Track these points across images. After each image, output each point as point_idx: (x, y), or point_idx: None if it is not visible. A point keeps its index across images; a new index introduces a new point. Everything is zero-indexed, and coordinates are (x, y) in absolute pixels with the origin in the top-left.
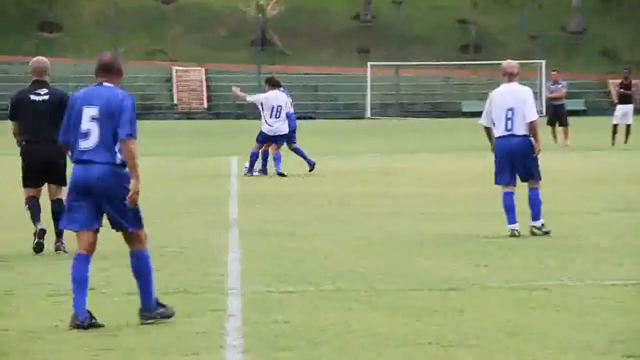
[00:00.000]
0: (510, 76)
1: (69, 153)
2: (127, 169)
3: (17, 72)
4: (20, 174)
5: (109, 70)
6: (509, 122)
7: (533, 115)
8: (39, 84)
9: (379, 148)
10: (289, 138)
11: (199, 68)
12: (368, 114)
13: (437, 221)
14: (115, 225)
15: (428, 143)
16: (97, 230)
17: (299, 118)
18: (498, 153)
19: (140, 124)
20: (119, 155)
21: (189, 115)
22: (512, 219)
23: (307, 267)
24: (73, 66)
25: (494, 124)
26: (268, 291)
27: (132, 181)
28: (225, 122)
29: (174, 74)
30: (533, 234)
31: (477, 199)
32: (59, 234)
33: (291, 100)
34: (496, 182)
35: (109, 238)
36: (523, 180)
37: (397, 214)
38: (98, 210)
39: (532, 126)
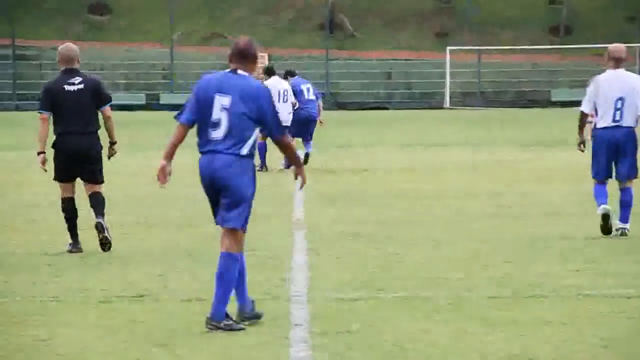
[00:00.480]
0: (617, 61)
1: (196, 140)
2: (252, 161)
3: None
4: (53, 168)
5: (245, 57)
6: (618, 112)
7: None
8: (71, 72)
9: (458, 141)
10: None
11: (263, 53)
12: (447, 103)
13: (528, 221)
14: (218, 217)
15: (514, 135)
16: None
17: (370, 108)
18: (599, 145)
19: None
20: (246, 147)
21: None
22: (603, 201)
23: (382, 273)
24: (124, 51)
25: (595, 112)
26: (337, 299)
27: (296, 169)
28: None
29: None
30: (622, 234)
31: (570, 196)
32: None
33: (309, 87)
34: (594, 176)
35: (165, 240)
36: (621, 177)
37: (485, 213)
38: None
39: None
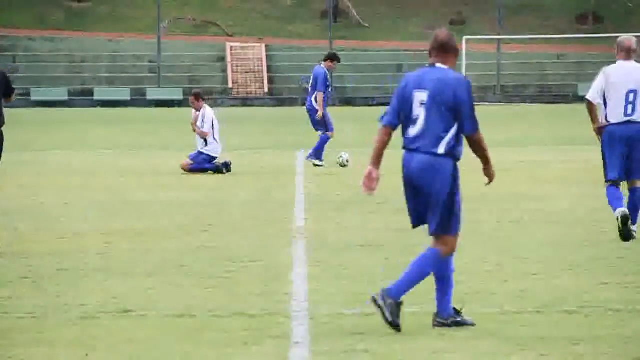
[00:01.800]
0: (628, 52)
1: (403, 138)
2: (451, 160)
3: (42, 49)
4: None
5: (446, 50)
6: (630, 106)
7: None
8: None
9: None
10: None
11: (258, 44)
12: None
13: (551, 228)
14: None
15: (537, 133)
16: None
17: (379, 104)
18: (611, 143)
19: (189, 112)
20: (443, 145)
21: (246, 102)
22: (619, 204)
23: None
24: (107, 42)
25: (605, 106)
26: (341, 314)
27: (486, 166)
28: (289, 109)
29: (229, 51)
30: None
31: (597, 200)
32: None
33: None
34: (607, 179)
35: (153, 250)
36: (633, 176)
37: (504, 219)
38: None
39: None
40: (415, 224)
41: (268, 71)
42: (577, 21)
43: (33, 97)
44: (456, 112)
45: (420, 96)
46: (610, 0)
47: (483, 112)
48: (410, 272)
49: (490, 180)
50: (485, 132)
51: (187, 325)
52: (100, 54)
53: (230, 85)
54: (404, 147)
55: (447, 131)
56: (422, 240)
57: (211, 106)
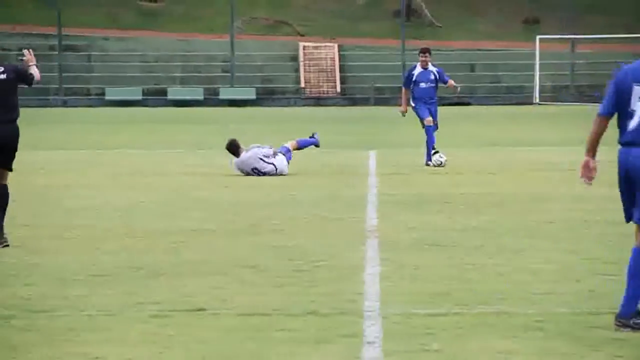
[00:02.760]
0: None
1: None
2: None
3: (116, 49)
4: None
5: None
6: None
7: None
8: None
9: (548, 140)
10: None
11: (331, 44)
12: (536, 98)
13: (624, 229)
14: (635, 213)
15: (610, 134)
16: None
17: (451, 104)
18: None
19: (261, 111)
20: None
21: (318, 101)
22: None
23: (462, 286)
24: (180, 42)
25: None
26: (413, 314)
27: None
28: (361, 109)
29: (301, 50)
30: None
31: None
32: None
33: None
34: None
35: (224, 249)
36: None
37: (576, 220)
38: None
39: None
40: (630, 219)
41: (340, 71)
42: None
43: (107, 97)
44: None
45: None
46: None
47: (557, 111)
48: (632, 281)
49: None
50: (558, 132)
51: (259, 323)
52: (173, 53)
53: (302, 84)
54: (620, 141)
55: None
56: (490, 240)
57: (282, 105)
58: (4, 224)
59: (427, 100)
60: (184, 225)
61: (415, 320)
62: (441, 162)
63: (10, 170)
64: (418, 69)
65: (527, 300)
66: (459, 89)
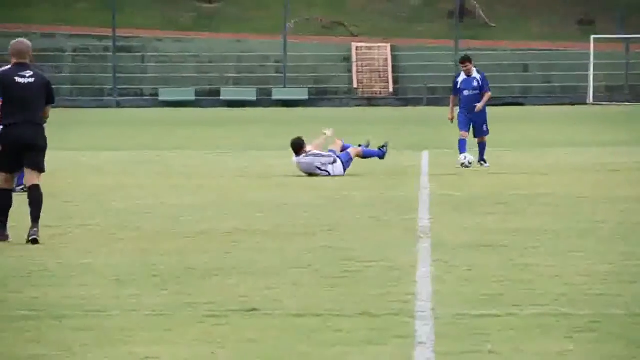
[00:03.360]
0: None
1: None
2: None
3: (170, 50)
4: None
5: None
6: None
7: None
8: (22, 66)
9: (603, 141)
10: None
11: (384, 44)
12: (590, 98)
13: None
14: None
15: None
16: None
17: (504, 104)
18: None
19: (313, 112)
20: None
21: (371, 101)
22: None
23: (514, 287)
24: (234, 43)
25: None
26: (465, 315)
27: None
28: (414, 109)
29: (354, 51)
30: None
31: None
32: (34, 220)
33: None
34: None
35: (277, 249)
36: None
37: (629, 222)
38: None
39: None
40: None
41: (393, 71)
42: None
43: (161, 97)
44: None
45: None
46: None
47: (611, 112)
48: None
49: None
50: (613, 133)
51: (311, 324)
52: (227, 54)
53: (355, 85)
54: None
55: None
56: (543, 241)
57: (335, 106)
58: (39, 222)
59: (471, 108)
60: (236, 226)
61: (468, 321)
62: (464, 164)
63: (41, 171)
64: (462, 77)
65: (581, 302)
66: (479, 109)
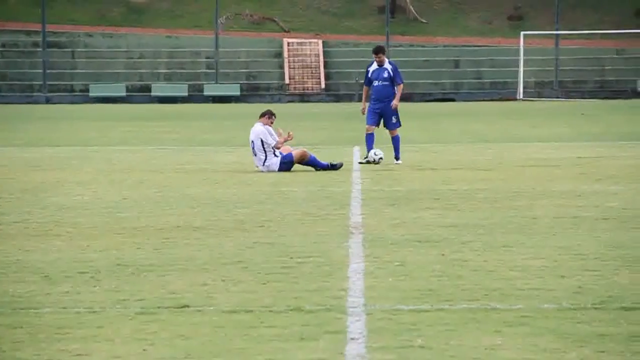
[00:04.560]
0: None
1: None
2: None
3: (101, 46)
4: None
5: None
6: None
7: None
8: None
9: (533, 136)
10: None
11: (315, 40)
12: (520, 94)
13: (610, 224)
14: None
15: (595, 129)
16: None
17: (435, 100)
18: None
19: (243, 108)
20: None
21: (302, 97)
22: None
23: (447, 282)
24: (165, 38)
25: None
26: (398, 310)
27: None
28: (346, 105)
29: (286, 47)
30: None
31: None
32: None
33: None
34: None
35: (211, 245)
36: None
37: (562, 216)
38: None
39: None
40: None
41: (325, 67)
42: (636, 16)
43: (91, 94)
44: None
45: None
46: None
47: (541, 107)
48: None
49: None
50: (542, 128)
51: (244, 320)
52: (158, 50)
53: (287, 81)
54: None
55: None
56: (479, 236)
57: (267, 102)
58: None
59: (382, 99)
60: (171, 222)
61: (400, 316)
62: (374, 160)
63: None
64: (374, 66)
65: (514, 296)
66: (396, 106)
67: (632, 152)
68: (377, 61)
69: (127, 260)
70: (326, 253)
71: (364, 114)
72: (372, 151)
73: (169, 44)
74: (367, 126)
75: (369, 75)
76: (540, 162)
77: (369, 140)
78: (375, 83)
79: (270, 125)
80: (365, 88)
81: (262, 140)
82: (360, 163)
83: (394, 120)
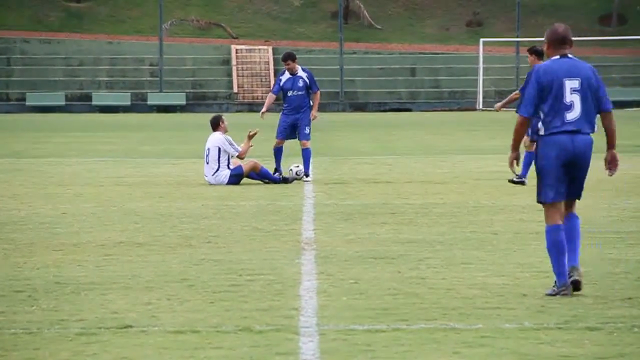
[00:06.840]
0: None
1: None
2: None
3: (37, 52)
4: None
5: (569, 43)
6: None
7: None
8: None
9: (493, 147)
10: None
11: (265, 46)
12: (480, 104)
13: (583, 239)
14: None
15: None
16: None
17: (391, 110)
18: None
19: (189, 117)
20: (594, 126)
21: (251, 107)
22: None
23: (404, 301)
24: (107, 44)
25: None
26: (352, 330)
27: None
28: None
29: (234, 54)
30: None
31: (615, 212)
32: None
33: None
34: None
35: (154, 262)
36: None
37: (524, 232)
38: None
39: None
40: (556, 199)
41: (275, 75)
42: (599, 22)
43: (28, 102)
44: (597, 95)
45: (572, 84)
46: (635, 0)
47: (502, 118)
48: (575, 241)
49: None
50: (503, 139)
51: (190, 341)
52: (99, 56)
53: (235, 90)
54: (556, 131)
55: (596, 114)
56: (436, 252)
57: (214, 111)
58: None
59: (298, 109)
60: (113, 238)
61: (355, 336)
62: (295, 177)
63: None
64: (286, 75)
65: (473, 316)
66: (317, 118)
67: (592, 163)
68: (287, 69)
69: (66, 278)
70: (277, 270)
71: (262, 118)
72: (293, 167)
73: (111, 51)
74: (277, 140)
75: (281, 84)
76: (499, 175)
77: (278, 154)
78: (290, 93)
79: (224, 133)
80: (271, 96)
81: (219, 149)
82: (266, 182)
83: (307, 130)
